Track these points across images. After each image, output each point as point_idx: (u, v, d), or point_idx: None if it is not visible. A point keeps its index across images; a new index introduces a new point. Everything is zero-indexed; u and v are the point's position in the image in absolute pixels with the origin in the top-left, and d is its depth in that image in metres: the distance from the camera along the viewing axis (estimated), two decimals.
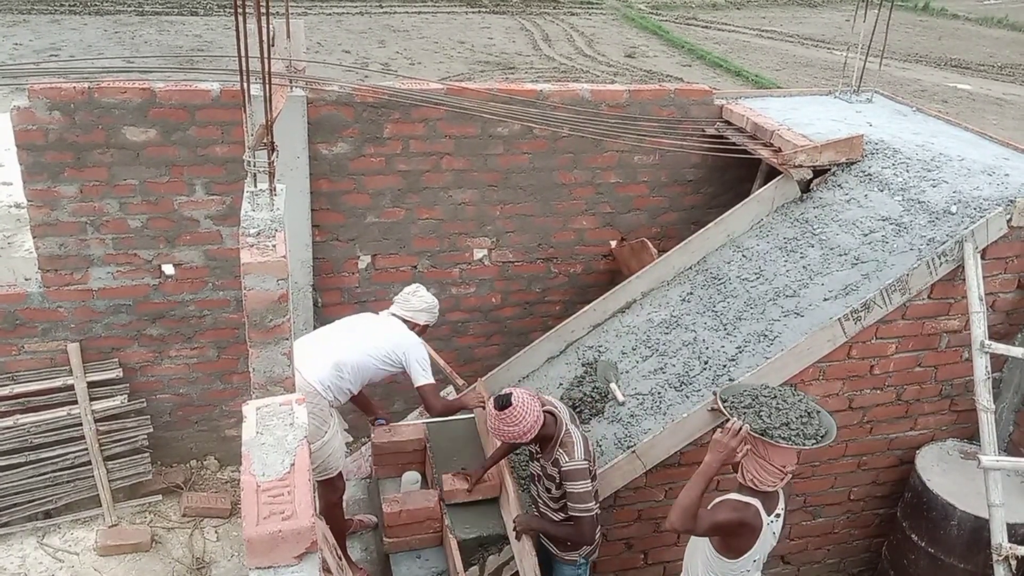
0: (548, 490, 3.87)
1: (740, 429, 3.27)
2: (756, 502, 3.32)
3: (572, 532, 3.83)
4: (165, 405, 5.39)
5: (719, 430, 3.33)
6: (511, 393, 3.66)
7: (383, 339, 4.25)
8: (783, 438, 3.27)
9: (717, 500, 3.38)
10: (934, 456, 4.62)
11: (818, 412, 3.47)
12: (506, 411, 3.60)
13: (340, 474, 4.43)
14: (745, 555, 3.36)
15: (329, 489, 4.39)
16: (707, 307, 4.79)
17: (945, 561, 4.39)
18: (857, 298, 4.23)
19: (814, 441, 3.33)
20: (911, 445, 4.71)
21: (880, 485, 4.84)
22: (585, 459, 3.71)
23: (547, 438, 3.75)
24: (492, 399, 3.70)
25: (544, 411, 3.73)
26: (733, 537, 3.33)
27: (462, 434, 4.80)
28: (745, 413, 3.38)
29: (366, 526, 4.98)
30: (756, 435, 3.27)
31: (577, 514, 3.71)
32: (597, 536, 3.94)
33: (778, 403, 3.44)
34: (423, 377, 4.24)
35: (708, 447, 3.35)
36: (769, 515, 3.34)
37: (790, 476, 3.34)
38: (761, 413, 3.37)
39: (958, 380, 4.61)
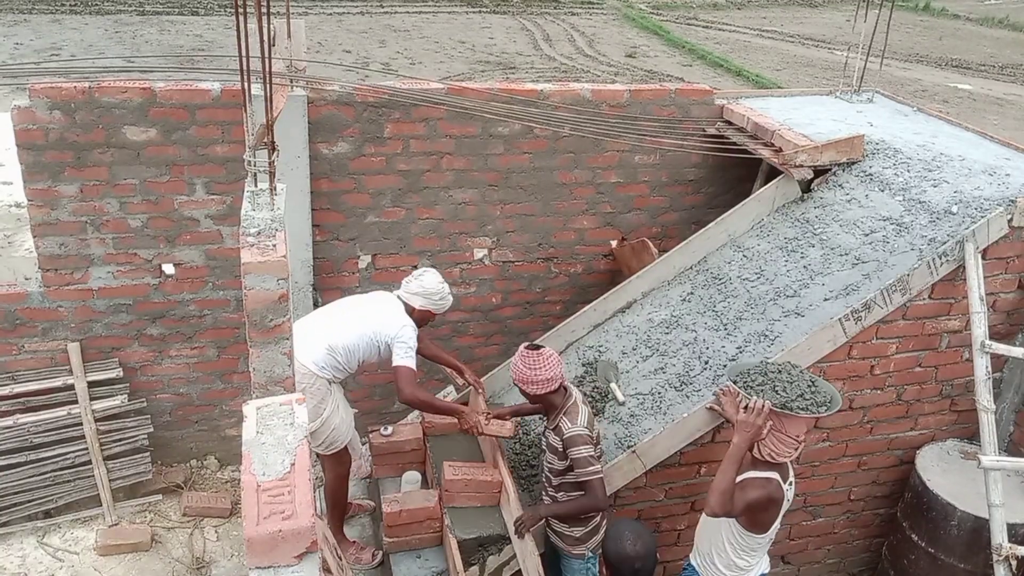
0: (551, 464, 3.93)
1: (763, 407, 3.34)
2: (775, 475, 3.42)
3: (584, 501, 3.87)
4: (165, 405, 5.39)
5: (742, 410, 3.40)
6: (544, 346, 3.91)
7: (372, 321, 4.28)
8: (802, 409, 3.39)
9: (737, 480, 3.44)
10: (934, 456, 4.63)
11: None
12: (531, 352, 3.82)
13: (346, 448, 4.52)
14: (771, 528, 3.49)
15: (336, 462, 4.53)
16: (707, 307, 4.79)
17: (945, 561, 4.39)
18: (858, 298, 4.23)
19: (826, 408, 3.44)
20: (911, 445, 4.71)
21: (880, 485, 4.84)
22: (586, 427, 3.83)
23: (554, 406, 3.89)
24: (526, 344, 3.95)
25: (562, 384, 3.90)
26: (762, 513, 3.43)
27: (461, 434, 4.79)
28: (762, 391, 3.46)
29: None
30: (779, 409, 3.35)
31: (585, 478, 3.79)
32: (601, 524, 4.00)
33: (787, 376, 3.54)
34: (400, 358, 4.14)
35: (734, 430, 3.44)
36: (785, 483, 3.46)
37: (804, 445, 3.44)
38: (776, 388, 3.46)
39: (958, 380, 4.61)
